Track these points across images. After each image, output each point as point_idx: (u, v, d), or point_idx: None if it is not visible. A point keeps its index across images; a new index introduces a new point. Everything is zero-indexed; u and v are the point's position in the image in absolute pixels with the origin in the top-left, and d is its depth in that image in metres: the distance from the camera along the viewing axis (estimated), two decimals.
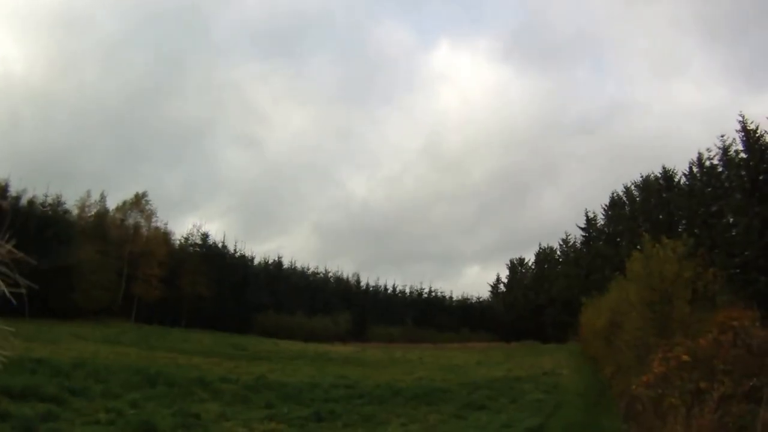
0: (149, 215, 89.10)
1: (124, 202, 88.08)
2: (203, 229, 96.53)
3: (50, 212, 76.34)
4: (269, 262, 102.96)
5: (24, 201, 73.90)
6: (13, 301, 2.71)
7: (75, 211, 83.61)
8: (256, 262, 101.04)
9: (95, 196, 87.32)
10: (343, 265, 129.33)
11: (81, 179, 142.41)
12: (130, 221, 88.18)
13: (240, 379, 29.27)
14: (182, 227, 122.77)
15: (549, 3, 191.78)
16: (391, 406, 24.40)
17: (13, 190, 72.89)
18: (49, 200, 76.94)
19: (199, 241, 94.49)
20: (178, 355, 40.89)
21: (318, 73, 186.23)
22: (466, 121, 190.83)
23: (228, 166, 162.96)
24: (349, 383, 30.88)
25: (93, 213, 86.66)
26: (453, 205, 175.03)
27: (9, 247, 2.71)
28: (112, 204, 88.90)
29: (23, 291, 2.63)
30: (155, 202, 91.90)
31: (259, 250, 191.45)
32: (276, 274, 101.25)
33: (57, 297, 64.98)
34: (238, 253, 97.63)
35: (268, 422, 18.88)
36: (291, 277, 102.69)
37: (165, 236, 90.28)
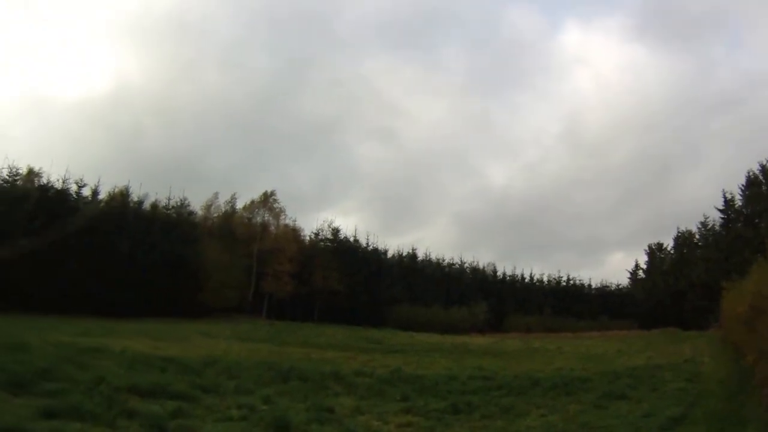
0: (278, 213, 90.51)
1: (252, 201, 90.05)
2: (334, 224, 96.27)
3: (174, 214, 78.06)
4: (403, 255, 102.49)
5: (146, 205, 76.18)
6: None
7: (200, 212, 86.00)
8: (389, 255, 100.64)
9: (225, 197, 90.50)
10: (482, 255, 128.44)
11: (211, 183, 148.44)
12: (258, 219, 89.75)
13: (375, 372, 29.05)
14: (317, 224, 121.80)
15: None
16: (529, 396, 23.82)
17: (134, 195, 75.43)
18: (173, 203, 78.71)
19: (330, 236, 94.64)
20: (311, 349, 40.99)
21: (450, 62, 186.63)
22: (603, 104, 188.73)
23: (363, 160, 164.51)
24: (486, 374, 30.35)
25: (219, 213, 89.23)
26: (595, 191, 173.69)
27: None
28: (241, 204, 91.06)
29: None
30: (288, 200, 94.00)
31: (397, 242, 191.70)
32: (410, 267, 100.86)
33: (185, 296, 67.20)
34: (371, 247, 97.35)
35: (403, 415, 18.53)
36: (426, 269, 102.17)
37: (294, 233, 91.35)
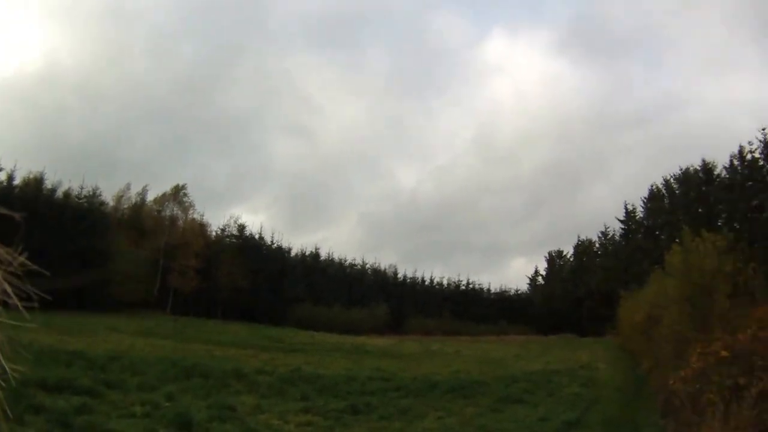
0: (187, 207, 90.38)
1: (163, 194, 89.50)
2: (241, 221, 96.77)
3: (86, 204, 77.27)
4: (306, 254, 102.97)
5: (60, 193, 75.25)
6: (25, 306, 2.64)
7: (111, 203, 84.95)
8: (293, 253, 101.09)
9: (136, 189, 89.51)
10: (388, 257, 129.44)
11: (127, 170, 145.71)
12: (167, 213, 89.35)
13: (276, 371, 29.45)
14: (226, 219, 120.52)
15: None
16: (427, 399, 24.41)
17: (48, 182, 74.42)
18: (86, 192, 77.80)
19: (236, 233, 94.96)
20: (214, 347, 41.21)
21: (372, 63, 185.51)
22: (518, 113, 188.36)
23: (278, 156, 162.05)
24: (385, 376, 30.96)
25: (130, 205, 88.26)
26: (501, 197, 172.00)
27: (22, 259, 2.63)
28: (152, 196, 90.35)
29: (35, 305, 2.55)
30: (203, 193, 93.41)
31: (303, 241, 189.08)
32: (313, 266, 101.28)
33: (92, 289, 66.03)
34: (275, 245, 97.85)
35: (303, 414, 18.96)
36: (328, 269, 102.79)
37: (202, 228, 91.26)
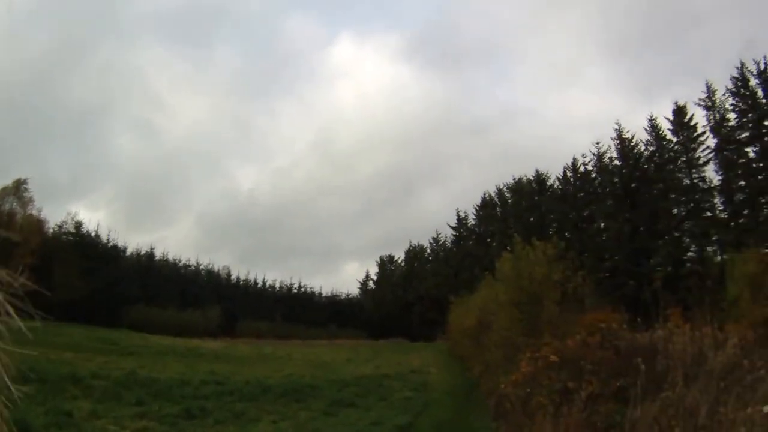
0: (26, 202, 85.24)
1: (3, 188, 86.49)
2: (78, 218, 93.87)
3: None
4: (141, 254, 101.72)
5: None
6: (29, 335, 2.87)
7: None
8: (128, 252, 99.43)
9: None
10: (224, 258, 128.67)
11: None
12: (6, 207, 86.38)
13: (111, 374, 28.90)
14: (65, 215, 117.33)
15: (457, 6, 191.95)
16: (261, 402, 24.63)
17: None
18: None
19: (73, 230, 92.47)
20: (49, 349, 39.67)
21: (220, 62, 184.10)
22: (360, 118, 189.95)
23: (121, 153, 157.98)
24: (219, 379, 30.91)
25: None
26: (339, 201, 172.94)
27: (22, 279, 2.83)
28: None
29: (38, 324, 2.76)
30: (44, 188, 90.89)
31: (142, 240, 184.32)
32: (148, 266, 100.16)
33: None
34: (111, 243, 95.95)
35: (139, 420, 18.91)
36: (162, 269, 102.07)
37: (39, 223, 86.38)
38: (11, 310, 2.80)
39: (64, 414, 17.89)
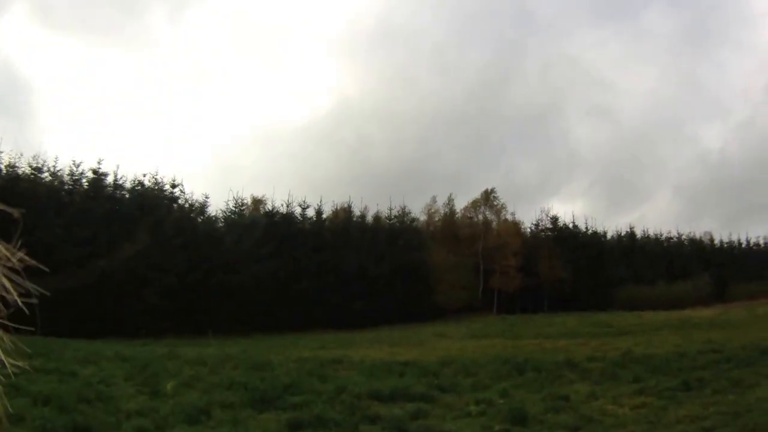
0: (499, 209, 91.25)
1: (474, 201, 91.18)
2: (552, 213, 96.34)
3: (397, 223, 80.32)
4: (622, 235, 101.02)
5: (369, 218, 79.25)
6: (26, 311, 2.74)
7: (422, 218, 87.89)
8: (609, 236, 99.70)
9: (442, 200, 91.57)
10: (707, 225, 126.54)
11: (435, 185, 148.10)
12: (480, 218, 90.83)
13: (606, 356, 28.97)
14: (535, 214, 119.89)
15: None
16: (759, 367, 22.65)
17: (356, 210, 78.64)
18: (395, 212, 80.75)
19: (549, 226, 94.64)
20: (543, 340, 41.16)
21: (651, 28, 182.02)
22: None
23: (581, 141, 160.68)
24: (715, 348, 29.32)
25: (440, 217, 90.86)
26: None
27: (21, 254, 2.70)
28: (461, 204, 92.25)
29: (35, 301, 2.61)
30: (514, 192, 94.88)
31: (621, 222, 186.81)
32: (630, 246, 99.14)
33: (416, 301, 69.69)
34: (590, 231, 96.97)
35: (637, 396, 18.34)
36: (645, 247, 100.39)
37: (516, 227, 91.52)
38: (8, 285, 2.65)
39: (560, 398, 17.94)
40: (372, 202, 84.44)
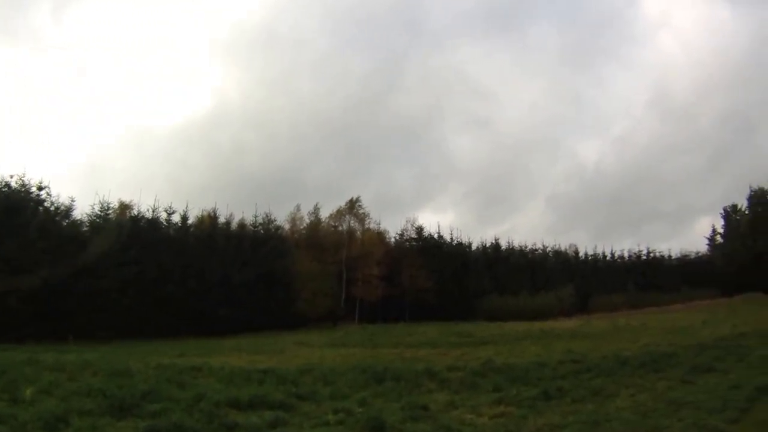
0: (362, 218, 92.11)
1: (338, 210, 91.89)
2: (418, 223, 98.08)
3: (262, 230, 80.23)
4: (487, 246, 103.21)
5: (234, 225, 79.17)
6: None
7: (286, 226, 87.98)
8: (473, 247, 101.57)
9: (307, 209, 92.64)
10: (579, 237, 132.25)
11: (307, 194, 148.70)
12: (344, 227, 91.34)
13: (467, 365, 29.19)
14: (400, 224, 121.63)
15: None
16: (618, 377, 23.80)
17: (222, 217, 78.79)
18: (260, 220, 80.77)
19: (414, 236, 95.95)
20: (404, 349, 41.50)
21: (540, 42, 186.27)
22: (688, 66, 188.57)
23: (458, 152, 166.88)
24: (575, 358, 30.28)
25: (304, 225, 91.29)
26: (683, 157, 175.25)
27: None
28: (325, 213, 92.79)
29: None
30: (387, 201, 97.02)
31: (491, 234, 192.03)
32: (495, 257, 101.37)
33: (279, 309, 69.73)
34: (455, 242, 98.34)
35: (496, 406, 18.72)
36: (510, 258, 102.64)
37: (380, 236, 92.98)
38: None
39: (419, 408, 18.13)
40: (241, 209, 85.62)
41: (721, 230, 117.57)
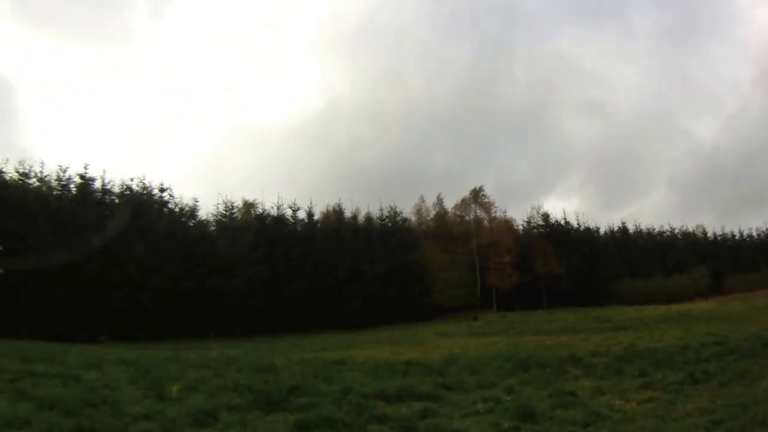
0: (488, 207, 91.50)
1: (463, 199, 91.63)
2: (543, 210, 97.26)
3: (389, 223, 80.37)
4: (615, 231, 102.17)
5: (361, 218, 79.67)
6: None
7: (413, 218, 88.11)
8: (602, 232, 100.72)
9: (431, 200, 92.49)
10: (705, 216, 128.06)
11: (425, 185, 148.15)
12: (471, 216, 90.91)
13: (609, 350, 28.84)
14: (525, 213, 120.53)
15: None
16: (762, 358, 22.44)
17: (348, 211, 79.34)
18: (386, 213, 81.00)
19: (541, 223, 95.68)
20: (545, 336, 41.38)
21: (638, 24, 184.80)
22: None
23: (575, 137, 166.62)
24: (717, 340, 29.23)
25: (430, 216, 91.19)
26: None
27: None
28: (451, 203, 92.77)
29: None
30: (508, 189, 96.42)
31: (617, 217, 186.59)
32: (623, 241, 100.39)
33: (414, 301, 70.30)
34: (582, 227, 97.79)
35: (643, 391, 18.21)
36: (638, 241, 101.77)
37: (507, 224, 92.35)
38: None
39: (567, 394, 17.81)
40: (362, 203, 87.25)
41: None
